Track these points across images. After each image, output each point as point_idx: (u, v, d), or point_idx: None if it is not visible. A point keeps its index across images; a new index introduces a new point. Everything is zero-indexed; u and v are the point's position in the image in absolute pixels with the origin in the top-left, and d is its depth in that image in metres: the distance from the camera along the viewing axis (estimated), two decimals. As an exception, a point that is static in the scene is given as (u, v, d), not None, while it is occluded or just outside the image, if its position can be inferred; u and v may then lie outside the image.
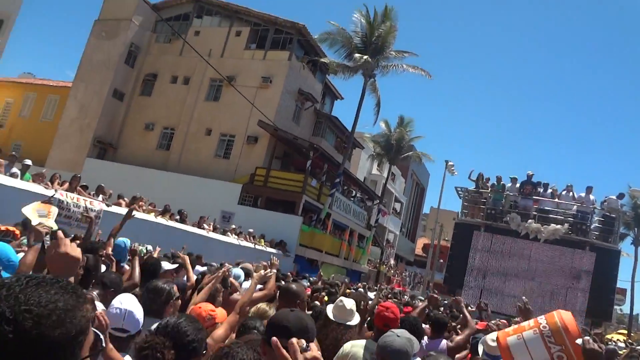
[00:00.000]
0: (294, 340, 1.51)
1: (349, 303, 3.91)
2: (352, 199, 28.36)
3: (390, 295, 15.47)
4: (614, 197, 18.10)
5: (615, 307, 26.60)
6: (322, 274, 11.60)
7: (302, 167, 23.51)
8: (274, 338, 1.51)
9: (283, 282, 8.94)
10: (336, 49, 25.13)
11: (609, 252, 17.27)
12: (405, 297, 18.67)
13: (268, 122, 22.49)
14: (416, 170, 47.98)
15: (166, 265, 5.51)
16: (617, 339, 20.79)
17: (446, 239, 36.71)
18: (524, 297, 3.24)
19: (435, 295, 7.43)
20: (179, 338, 1.93)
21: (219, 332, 3.17)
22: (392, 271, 36.52)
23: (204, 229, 15.71)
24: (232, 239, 17.44)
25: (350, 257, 27.40)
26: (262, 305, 4.06)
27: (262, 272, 4.70)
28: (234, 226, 18.54)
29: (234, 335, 3.09)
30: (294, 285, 3.82)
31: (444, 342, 4.83)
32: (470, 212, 19.20)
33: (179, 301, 3.35)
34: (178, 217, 15.53)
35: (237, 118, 24.97)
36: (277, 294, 4.11)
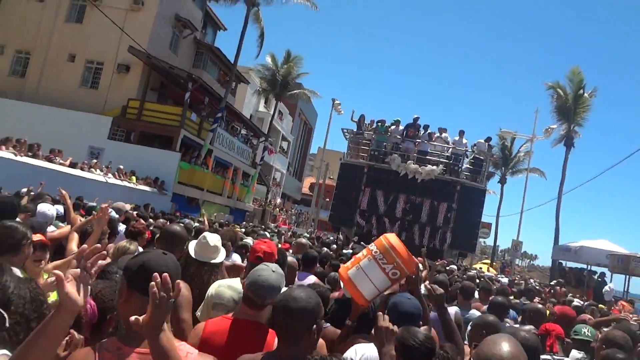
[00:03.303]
0: (154, 284, 1.45)
1: (213, 239, 3.49)
2: (236, 135, 27.26)
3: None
4: (482, 141, 19.19)
5: (480, 239, 29.25)
6: (203, 212, 10.93)
7: (181, 100, 21.77)
8: (151, 283, 1.46)
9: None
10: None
11: (476, 191, 18.48)
12: (288, 233, 18.61)
13: (140, 49, 20.20)
14: (304, 109, 47.68)
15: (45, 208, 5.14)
16: (480, 267, 23.16)
17: (331, 177, 37.42)
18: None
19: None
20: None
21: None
22: (277, 210, 36.58)
23: (55, 162, 13.77)
24: (97, 175, 15.73)
25: (234, 195, 26.69)
26: (122, 243, 3.80)
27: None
28: (95, 161, 16.69)
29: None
30: (176, 227, 3.34)
31: (312, 276, 4.95)
32: (355, 153, 19.36)
33: (31, 248, 2.87)
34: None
35: (105, 43, 22.25)
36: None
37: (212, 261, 3.43)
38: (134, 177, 17.91)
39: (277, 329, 1.95)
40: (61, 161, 14.09)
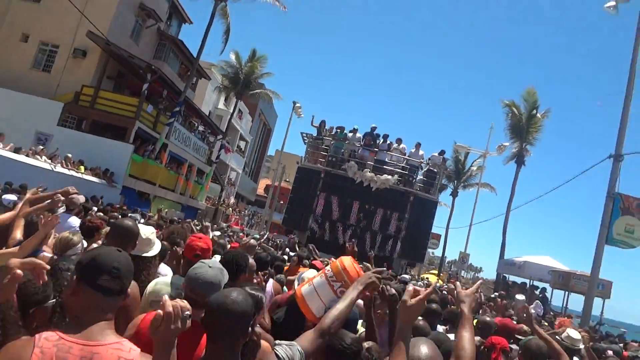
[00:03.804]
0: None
1: (147, 231, 3.35)
2: (193, 131, 26.74)
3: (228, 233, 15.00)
4: (437, 154, 19.65)
5: (429, 249, 29.85)
6: (162, 207, 10.62)
7: (138, 91, 21.15)
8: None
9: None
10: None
11: (428, 203, 18.87)
12: (241, 234, 18.45)
13: (99, 34, 19.51)
14: (264, 110, 47.39)
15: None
16: (427, 277, 23.61)
17: (287, 180, 37.28)
18: (353, 240, 3.52)
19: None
20: None
21: None
22: (230, 209, 36.09)
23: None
24: (43, 163, 15.04)
25: (187, 192, 26.15)
26: (65, 234, 3.52)
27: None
28: (41, 147, 15.98)
29: None
30: (128, 221, 3.13)
31: (270, 280, 5.09)
32: (313, 158, 19.38)
33: None
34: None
35: (62, 26, 21.36)
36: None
37: (145, 254, 3.29)
38: (82, 167, 17.24)
39: (214, 331, 1.84)
40: (1, 144, 13.38)
